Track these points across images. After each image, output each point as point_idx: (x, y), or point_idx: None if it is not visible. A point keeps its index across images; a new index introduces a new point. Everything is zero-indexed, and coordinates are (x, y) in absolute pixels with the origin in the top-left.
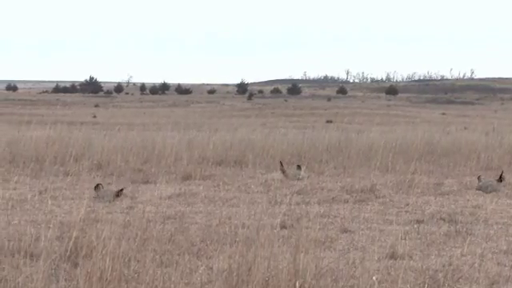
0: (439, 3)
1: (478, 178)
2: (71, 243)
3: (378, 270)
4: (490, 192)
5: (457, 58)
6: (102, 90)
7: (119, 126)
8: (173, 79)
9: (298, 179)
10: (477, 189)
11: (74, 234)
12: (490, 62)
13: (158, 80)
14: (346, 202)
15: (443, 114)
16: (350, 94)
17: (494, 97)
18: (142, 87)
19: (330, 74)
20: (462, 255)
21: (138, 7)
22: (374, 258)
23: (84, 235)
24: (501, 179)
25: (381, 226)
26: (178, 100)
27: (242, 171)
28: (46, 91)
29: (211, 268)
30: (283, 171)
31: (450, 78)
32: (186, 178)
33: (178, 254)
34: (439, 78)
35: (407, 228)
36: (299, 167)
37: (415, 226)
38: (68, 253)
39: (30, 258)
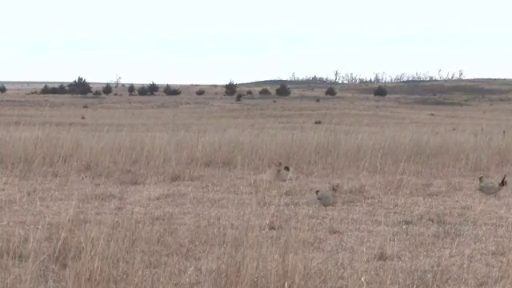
0: (427, 4)
1: (480, 178)
2: (60, 244)
3: (367, 271)
4: (490, 194)
5: (445, 59)
6: (91, 91)
7: (108, 127)
8: (161, 80)
9: (285, 180)
10: (478, 189)
11: (63, 235)
12: (478, 63)
13: (146, 81)
14: (335, 202)
15: (432, 114)
16: (338, 94)
17: (483, 98)
18: (131, 88)
19: (318, 75)
20: (451, 256)
21: (127, 8)
22: (362, 259)
23: (73, 236)
24: (503, 183)
25: (369, 226)
26: (167, 101)
27: (231, 172)
28: (35, 92)
29: (200, 269)
30: (278, 170)
31: (438, 78)
32: (175, 178)
33: (167, 255)
34: (428, 78)
35: (396, 229)
36: (287, 168)
37: (404, 226)
38: (56, 254)
39: (18, 258)
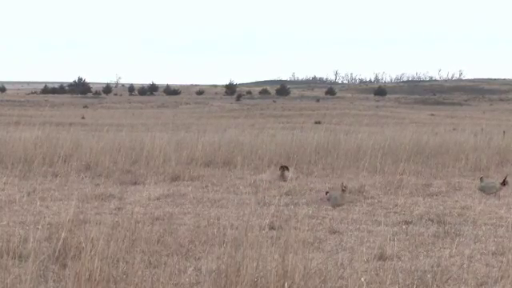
0: (427, 4)
1: (481, 178)
2: (60, 244)
3: (367, 271)
4: (491, 194)
5: (445, 59)
6: (91, 91)
7: (108, 127)
8: (161, 80)
9: (286, 180)
10: (479, 189)
11: (63, 235)
12: (478, 63)
13: (146, 81)
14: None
15: (432, 114)
16: (338, 94)
17: (483, 98)
18: (131, 88)
19: (318, 75)
20: (451, 256)
21: (127, 8)
22: (362, 259)
23: (73, 236)
24: (504, 183)
25: (369, 226)
26: (167, 101)
27: (231, 172)
28: (35, 92)
29: (200, 269)
30: (282, 175)
31: (438, 78)
32: (175, 178)
33: (167, 255)
34: (428, 78)
35: (396, 229)
36: (287, 168)
37: (404, 226)
38: (56, 254)
39: (18, 258)
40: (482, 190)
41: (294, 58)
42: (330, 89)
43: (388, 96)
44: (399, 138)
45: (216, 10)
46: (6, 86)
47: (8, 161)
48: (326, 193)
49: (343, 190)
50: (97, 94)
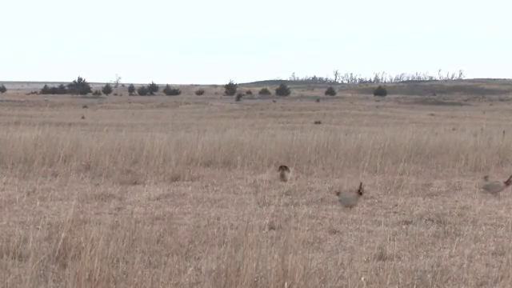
0: (427, 4)
1: (485, 177)
2: (60, 244)
3: (367, 271)
4: (495, 193)
5: (445, 59)
6: (91, 91)
7: (108, 127)
8: (161, 80)
9: (286, 180)
10: (483, 188)
11: (63, 235)
12: (478, 63)
13: (146, 81)
14: (335, 202)
15: (432, 114)
16: (338, 94)
17: (483, 98)
18: (131, 88)
19: (318, 75)
20: (451, 256)
21: (127, 8)
22: (362, 259)
23: (72, 236)
24: (509, 182)
25: (369, 226)
26: (167, 101)
27: (231, 172)
28: (35, 92)
29: (200, 269)
30: (282, 175)
31: (438, 78)
32: (175, 178)
33: (167, 255)
34: (428, 78)
35: (396, 229)
36: (287, 168)
37: (404, 226)
38: (56, 254)
39: (18, 258)
40: (487, 188)
41: (294, 57)
42: (329, 89)
43: (388, 96)
44: (399, 138)
45: (216, 10)
46: (6, 86)
47: (8, 161)
48: (337, 193)
49: (360, 193)
50: (97, 94)
